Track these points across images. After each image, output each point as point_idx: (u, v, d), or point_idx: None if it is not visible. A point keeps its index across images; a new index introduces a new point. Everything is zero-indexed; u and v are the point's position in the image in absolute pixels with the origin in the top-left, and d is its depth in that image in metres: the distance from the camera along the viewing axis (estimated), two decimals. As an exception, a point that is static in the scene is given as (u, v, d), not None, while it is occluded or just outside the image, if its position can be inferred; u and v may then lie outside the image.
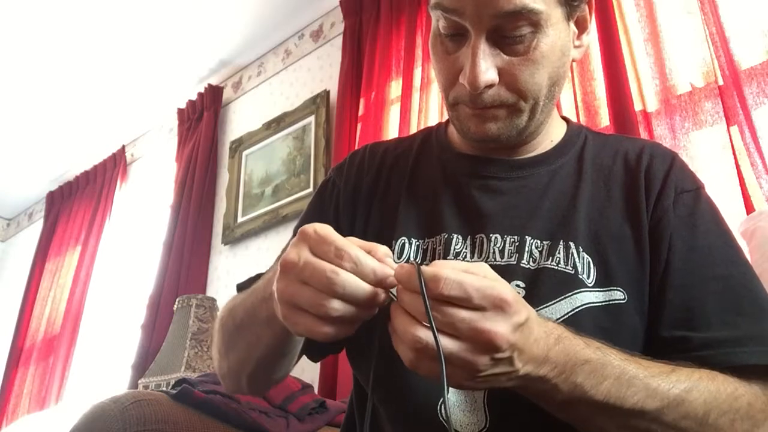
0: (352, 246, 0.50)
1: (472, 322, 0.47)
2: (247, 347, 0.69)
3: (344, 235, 0.76)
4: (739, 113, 1.38)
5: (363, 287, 0.49)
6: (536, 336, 0.51)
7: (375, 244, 0.52)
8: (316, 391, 1.60)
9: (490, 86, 0.65)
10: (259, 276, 0.78)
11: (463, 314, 0.47)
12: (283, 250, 0.83)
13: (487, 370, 0.48)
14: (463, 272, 0.48)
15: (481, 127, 0.69)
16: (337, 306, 0.49)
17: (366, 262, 0.49)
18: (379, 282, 0.50)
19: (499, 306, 0.47)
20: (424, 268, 0.48)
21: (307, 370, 2.10)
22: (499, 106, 0.67)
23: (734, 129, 1.39)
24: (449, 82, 0.69)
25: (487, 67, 0.64)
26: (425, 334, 0.47)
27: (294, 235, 0.83)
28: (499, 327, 0.47)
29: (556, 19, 0.66)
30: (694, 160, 1.44)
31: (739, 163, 1.37)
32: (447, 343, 0.47)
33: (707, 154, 1.45)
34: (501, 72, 0.65)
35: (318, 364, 1.99)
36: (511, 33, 0.64)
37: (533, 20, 0.63)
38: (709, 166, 1.43)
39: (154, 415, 0.92)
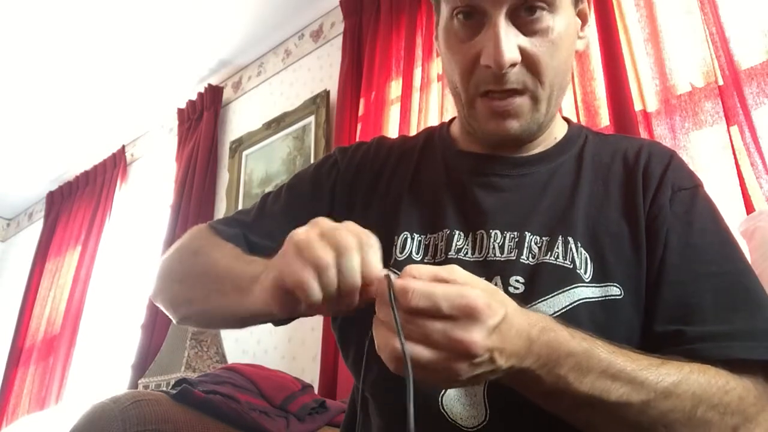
0: (354, 263, 0.51)
1: (446, 333, 0.47)
2: (219, 306, 0.68)
3: (338, 221, 0.76)
4: (739, 113, 1.38)
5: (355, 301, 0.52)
6: (517, 329, 0.50)
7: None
8: (316, 391, 1.60)
9: (513, 65, 0.66)
10: (237, 219, 0.81)
11: (436, 325, 0.47)
12: (264, 198, 0.84)
13: (468, 373, 0.49)
14: (432, 281, 0.48)
15: (503, 125, 0.70)
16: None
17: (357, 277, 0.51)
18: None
19: (469, 314, 0.47)
20: (395, 280, 0.49)
21: (307, 370, 2.10)
22: (522, 91, 0.68)
23: (734, 129, 1.39)
24: (467, 70, 0.69)
25: (511, 45, 0.65)
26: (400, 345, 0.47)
27: (279, 193, 0.83)
28: (473, 335, 0.47)
29: (566, 4, 0.69)
30: (694, 160, 1.44)
31: (739, 163, 1.37)
32: (424, 353, 0.47)
33: (707, 154, 1.45)
34: (522, 53, 0.67)
35: (318, 364, 2.00)
36: (528, 14, 0.66)
37: (549, 0, 0.66)
38: (709, 166, 1.43)
39: (154, 415, 0.92)
